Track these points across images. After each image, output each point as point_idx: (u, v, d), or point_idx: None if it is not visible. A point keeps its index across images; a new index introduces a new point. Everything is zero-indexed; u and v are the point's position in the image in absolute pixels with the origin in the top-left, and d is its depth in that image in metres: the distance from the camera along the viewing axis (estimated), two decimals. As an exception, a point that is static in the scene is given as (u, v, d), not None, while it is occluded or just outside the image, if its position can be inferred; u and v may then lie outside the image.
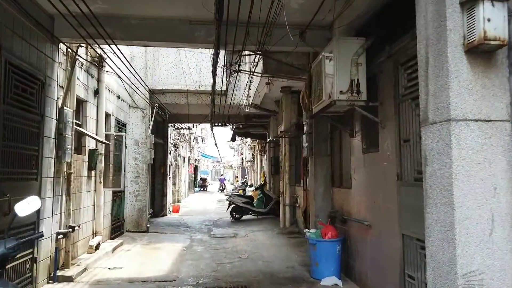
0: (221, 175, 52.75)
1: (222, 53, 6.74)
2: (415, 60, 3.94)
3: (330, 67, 4.95)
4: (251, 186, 24.41)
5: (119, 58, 6.69)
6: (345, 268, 6.17)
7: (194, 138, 29.74)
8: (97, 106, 8.08)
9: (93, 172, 7.97)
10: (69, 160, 6.30)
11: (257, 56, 7.40)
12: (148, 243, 9.65)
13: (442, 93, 2.65)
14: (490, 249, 2.50)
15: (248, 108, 12.14)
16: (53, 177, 5.99)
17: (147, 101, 11.35)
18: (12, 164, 4.85)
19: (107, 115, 8.80)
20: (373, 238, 5.13)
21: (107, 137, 8.52)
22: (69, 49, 6.37)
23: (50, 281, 5.87)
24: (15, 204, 2.60)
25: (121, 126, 10.30)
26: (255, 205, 14.49)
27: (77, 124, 6.93)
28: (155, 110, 12.06)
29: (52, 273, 5.89)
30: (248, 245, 9.42)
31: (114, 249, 8.32)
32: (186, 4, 5.63)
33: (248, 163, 36.14)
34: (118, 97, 9.87)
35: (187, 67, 11.81)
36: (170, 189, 18.31)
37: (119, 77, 8.89)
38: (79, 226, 6.85)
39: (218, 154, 35.57)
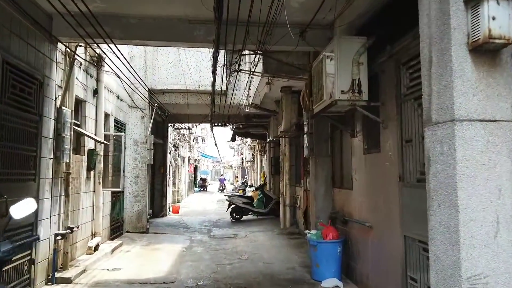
0: (221, 175, 52.72)
1: (222, 52, 6.70)
2: (417, 59, 3.90)
3: (331, 66, 4.90)
4: (251, 186, 24.36)
5: (118, 57, 6.64)
6: (346, 270, 6.12)
7: (194, 138, 29.70)
8: (96, 106, 8.03)
9: (92, 173, 7.92)
10: (68, 161, 6.26)
11: (257, 56, 7.35)
12: (147, 244, 9.60)
13: (445, 92, 2.60)
14: (495, 252, 2.46)
15: (248, 108, 12.09)
16: (52, 178, 5.94)
17: (147, 101, 11.30)
18: (10, 164, 4.80)
19: (106, 115, 8.75)
20: (374, 240, 5.08)
21: (106, 137, 8.47)
22: (67, 49, 6.32)
23: (49, 283, 5.82)
24: (12, 205, 2.55)
25: (120, 126, 10.24)
26: (255, 205, 14.45)
27: (75, 124, 6.88)
28: (154, 110, 12.01)
29: (51, 274, 5.84)
30: (248, 246, 9.37)
31: (113, 250, 8.27)
32: (186, 3, 5.58)
33: (248, 163, 36.09)
34: (118, 97, 9.82)
35: (187, 67, 11.76)
36: (169, 189, 18.27)
37: (118, 77, 8.84)
38: (77, 227, 6.80)
39: (218, 154, 35.55)
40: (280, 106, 11.02)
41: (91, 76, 7.73)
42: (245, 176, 39.22)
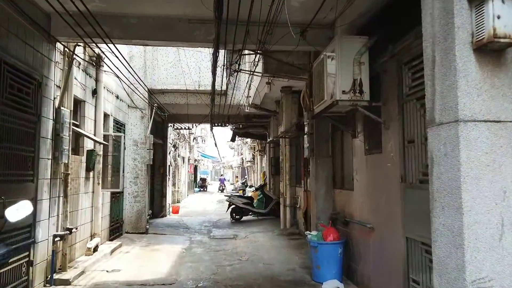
0: (221, 175, 52.69)
1: (221, 52, 6.66)
2: (419, 59, 3.85)
3: (332, 66, 4.86)
4: (251, 186, 24.31)
5: (118, 57, 6.59)
6: (347, 271, 6.08)
7: (194, 138, 29.66)
8: (95, 106, 7.99)
9: (91, 173, 7.87)
10: (66, 161, 6.21)
11: (258, 56, 7.31)
12: (147, 244, 9.55)
13: (449, 93, 2.56)
14: (500, 255, 2.42)
15: (248, 108, 12.05)
16: (50, 179, 5.89)
17: (146, 101, 11.25)
18: (7, 165, 4.76)
19: (106, 115, 8.71)
20: (376, 241, 5.03)
21: (105, 137, 8.43)
22: (66, 48, 6.27)
23: (47, 285, 5.77)
24: (8, 207, 2.52)
25: (119, 126, 10.20)
26: (255, 206, 14.41)
27: (74, 125, 6.84)
28: (154, 110, 11.97)
29: (49, 276, 5.78)
30: (248, 246, 9.33)
31: (112, 251, 8.23)
32: (185, 3, 5.54)
33: (248, 163, 36.05)
34: (117, 97, 9.77)
35: (187, 67, 11.72)
36: (169, 189, 18.22)
37: (118, 77, 8.79)
38: (76, 228, 6.76)
39: (218, 154, 35.51)
40: (280, 106, 10.98)
41: (90, 76, 7.68)
42: (245, 176, 39.17)
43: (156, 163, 14.60)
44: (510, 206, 2.45)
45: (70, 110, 6.36)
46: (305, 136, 7.25)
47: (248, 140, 26.59)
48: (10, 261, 4.77)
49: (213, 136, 18.19)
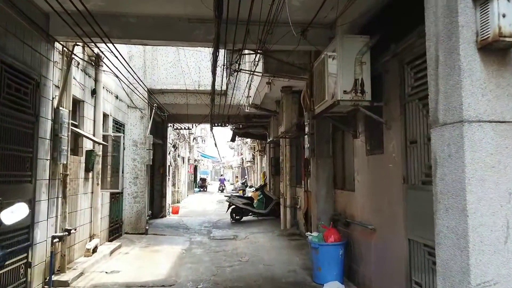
0: (221, 175, 52.67)
1: (221, 52, 6.61)
2: (422, 58, 3.81)
3: (333, 66, 4.81)
4: (251, 186, 24.27)
5: (117, 57, 6.54)
6: (348, 273, 6.03)
7: (194, 138, 29.61)
8: (95, 106, 7.94)
9: (90, 174, 7.83)
10: (65, 162, 6.16)
11: (258, 55, 7.26)
12: (146, 245, 9.51)
13: (453, 93, 2.51)
14: (505, 258, 2.38)
15: (248, 108, 12.00)
16: (49, 179, 5.85)
17: (146, 101, 11.20)
18: (5, 166, 4.70)
19: (105, 116, 8.66)
20: (377, 242, 4.99)
21: (104, 138, 8.38)
22: (65, 48, 6.22)
23: (46, 286, 5.71)
24: (8, 207, 2.47)
25: (119, 126, 10.15)
26: (255, 206, 14.37)
27: (73, 125, 6.79)
28: (154, 110, 11.92)
29: (48, 278, 5.72)
30: (248, 247, 9.28)
31: (111, 252, 8.18)
32: (185, 2, 5.49)
33: (248, 164, 36.01)
34: (116, 97, 9.73)
35: (186, 67, 11.67)
36: (169, 189, 18.17)
37: (117, 77, 8.74)
38: (75, 229, 6.71)
39: (218, 154, 35.47)
40: (281, 106, 10.93)
41: (89, 76, 7.64)
42: (245, 177, 39.13)
43: (155, 163, 14.55)
44: (516, 208, 2.41)
45: (69, 110, 6.31)
46: (306, 136, 7.21)
47: (248, 140, 26.54)
48: (8, 263, 4.73)
49: (213, 136, 18.15)
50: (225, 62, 8.09)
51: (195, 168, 38.38)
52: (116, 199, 9.98)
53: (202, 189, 38.94)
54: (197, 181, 39.70)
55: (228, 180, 57.10)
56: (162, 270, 7.05)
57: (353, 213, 5.90)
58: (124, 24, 5.96)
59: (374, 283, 5.14)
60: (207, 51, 10.65)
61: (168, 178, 17.55)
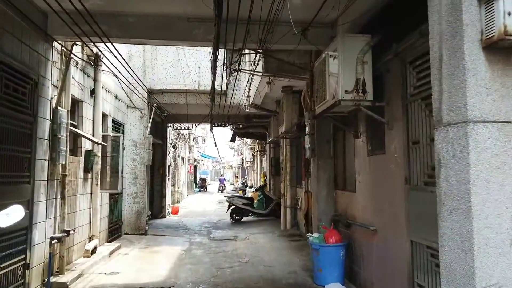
0: (221, 175, 52.63)
1: (221, 52, 6.56)
2: (425, 58, 3.77)
3: (335, 65, 4.76)
4: (251, 187, 24.22)
5: (116, 57, 6.50)
6: (349, 274, 5.98)
7: (194, 138, 29.56)
8: (94, 106, 7.89)
9: (89, 174, 7.78)
10: (64, 162, 6.11)
11: (258, 55, 7.21)
12: (146, 246, 9.46)
13: (458, 92, 2.47)
14: (510, 260, 2.33)
15: (248, 108, 11.95)
16: (47, 180, 5.80)
17: (146, 101, 11.15)
18: (3, 166, 4.65)
19: (104, 116, 8.61)
20: (379, 244, 4.94)
21: (104, 138, 8.33)
22: (63, 48, 6.18)
23: (44, 288, 5.68)
24: (5, 208, 2.42)
25: (118, 126, 10.10)
26: (255, 206, 14.33)
27: (72, 125, 6.74)
28: (153, 110, 11.87)
29: (46, 279, 5.68)
30: (249, 248, 9.24)
31: (111, 253, 8.13)
32: (185, 1, 5.45)
33: (248, 164, 35.97)
34: (116, 97, 9.68)
35: (186, 67, 11.62)
36: (169, 190, 18.12)
37: (117, 76, 8.69)
38: (74, 230, 6.66)
39: (217, 155, 35.42)
40: (281, 106, 10.89)
41: (88, 76, 7.59)
42: (245, 177, 39.10)
43: (155, 164, 14.50)
44: (521, 210, 2.36)
45: (68, 110, 6.26)
46: (306, 136, 7.16)
47: (248, 140, 26.50)
48: (5, 264, 4.69)
49: (213, 136, 18.10)
50: (225, 62, 8.04)
51: (195, 168, 38.34)
52: (115, 200, 9.93)
53: (202, 189, 38.90)
54: (197, 181, 39.65)
55: (228, 180, 57.06)
56: (161, 272, 7.00)
57: (354, 214, 5.85)
58: (123, 23, 5.91)
59: (376, 285, 5.10)
60: (207, 51, 10.60)
61: (168, 178, 17.50)
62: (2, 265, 4.59)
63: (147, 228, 11.24)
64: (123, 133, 10.26)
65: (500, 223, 2.34)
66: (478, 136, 2.35)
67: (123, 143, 9.47)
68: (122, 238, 10.13)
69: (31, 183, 5.31)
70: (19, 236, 5.01)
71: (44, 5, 4.67)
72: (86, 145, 7.62)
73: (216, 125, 15.07)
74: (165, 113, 13.32)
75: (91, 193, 7.94)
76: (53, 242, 5.83)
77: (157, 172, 15.33)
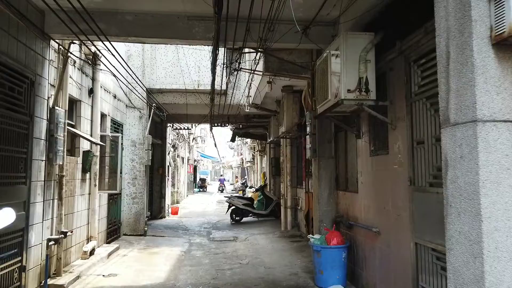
0: (221, 175, 52.63)
1: (221, 51, 6.48)
2: (430, 55, 3.69)
3: (337, 64, 4.66)
4: (251, 187, 24.14)
5: (115, 56, 6.41)
6: (351, 276, 5.89)
7: (193, 138, 29.47)
8: (92, 106, 7.80)
9: (87, 175, 7.68)
10: (61, 163, 6.02)
11: (258, 54, 7.12)
12: (145, 247, 9.37)
13: (466, 91, 2.38)
14: (521, 265, 2.24)
15: (249, 108, 11.87)
16: (44, 181, 5.71)
17: (145, 101, 11.05)
18: (-2, 167, 4.57)
19: (103, 115, 8.52)
20: (382, 246, 4.84)
21: (102, 138, 8.24)
22: (60, 46, 6.08)
23: (41, 290, 5.59)
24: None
25: (117, 126, 10.01)
26: (255, 207, 14.25)
27: (70, 125, 6.65)
28: (152, 110, 11.78)
29: (43, 281, 5.59)
30: (249, 249, 9.15)
31: (109, 254, 8.03)
32: (184, -1, 5.36)
33: (248, 164, 35.88)
34: (114, 96, 9.59)
35: (186, 66, 11.53)
36: (168, 190, 18.02)
37: (115, 76, 8.60)
38: (71, 232, 6.57)
39: (217, 155, 35.32)
40: (281, 106, 10.80)
41: (86, 75, 7.50)
42: (245, 177, 39.02)
43: (155, 164, 14.42)
44: (532, 212, 2.28)
45: (65, 110, 6.17)
46: (307, 136, 7.07)
47: (248, 140, 26.41)
48: (1, 267, 4.59)
49: (213, 136, 18.02)
50: (225, 61, 7.95)
51: (195, 168, 38.24)
52: (114, 200, 9.84)
53: (201, 190, 38.82)
54: (197, 181, 39.57)
55: (228, 180, 56.99)
56: (160, 273, 6.91)
57: (356, 215, 5.76)
58: (121, 21, 5.83)
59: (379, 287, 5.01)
60: (207, 50, 10.52)
61: (168, 179, 17.41)
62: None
63: (146, 229, 11.14)
64: (122, 133, 10.17)
65: (510, 226, 2.26)
66: (487, 136, 2.27)
67: (122, 143, 9.38)
68: (121, 239, 10.03)
69: (27, 184, 5.22)
70: (15, 238, 4.93)
71: (41, 3, 4.59)
72: (84, 145, 7.53)
73: (216, 125, 15.00)
74: (164, 113, 13.23)
75: (89, 193, 7.85)
76: (50, 243, 5.74)
77: (156, 173, 15.24)
